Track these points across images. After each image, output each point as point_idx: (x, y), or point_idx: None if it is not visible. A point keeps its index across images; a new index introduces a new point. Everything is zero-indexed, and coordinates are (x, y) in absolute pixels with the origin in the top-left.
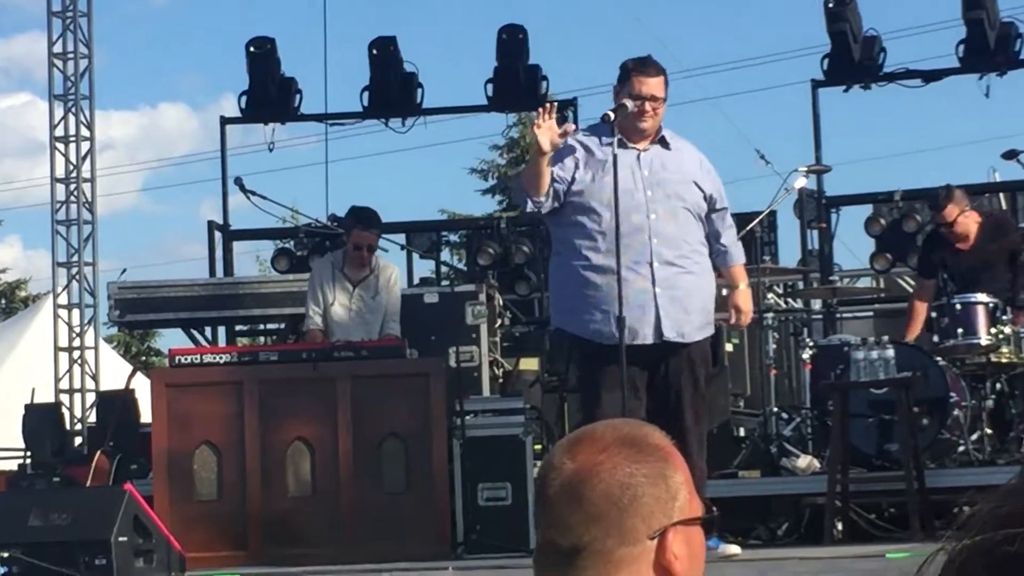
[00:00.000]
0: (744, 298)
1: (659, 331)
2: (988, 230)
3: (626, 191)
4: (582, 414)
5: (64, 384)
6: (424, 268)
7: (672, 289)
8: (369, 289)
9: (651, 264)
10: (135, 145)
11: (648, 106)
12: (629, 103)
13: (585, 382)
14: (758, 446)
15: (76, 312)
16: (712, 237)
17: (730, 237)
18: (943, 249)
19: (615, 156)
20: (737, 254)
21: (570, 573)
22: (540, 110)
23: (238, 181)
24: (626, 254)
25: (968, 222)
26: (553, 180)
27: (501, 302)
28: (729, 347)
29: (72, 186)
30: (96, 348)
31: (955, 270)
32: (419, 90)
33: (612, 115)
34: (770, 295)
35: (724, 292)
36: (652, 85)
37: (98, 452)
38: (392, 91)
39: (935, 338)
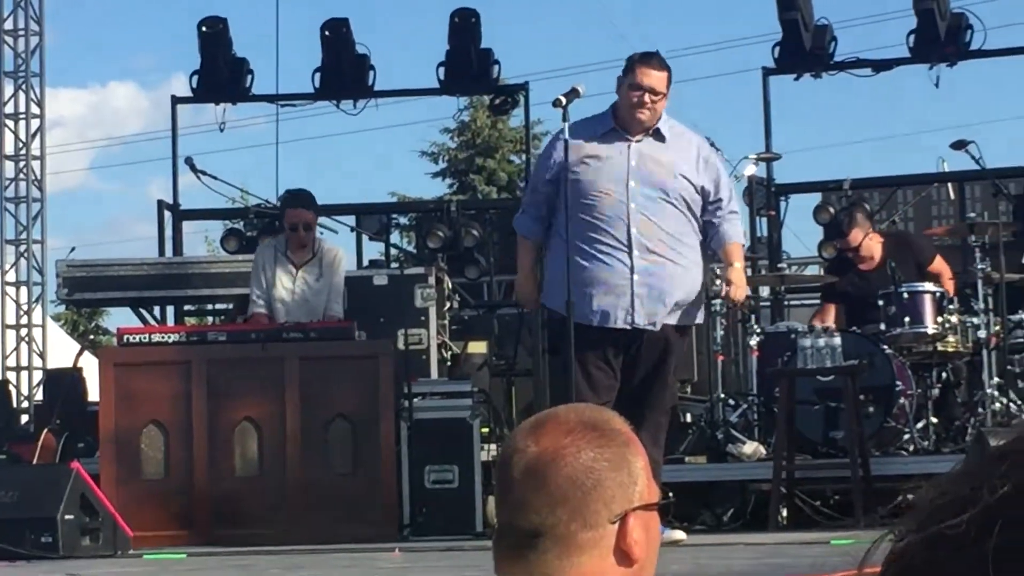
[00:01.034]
0: (736, 273)
1: (631, 317)
2: (891, 248)
3: (610, 180)
4: (550, 387)
5: (11, 362)
6: (373, 250)
7: (649, 278)
8: (312, 272)
9: (630, 252)
10: (85, 123)
11: (647, 98)
12: (581, 88)
13: (559, 357)
14: (704, 432)
15: (24, 290)
16: (707, 225)
17: (726, 220)
18: (848, 273)
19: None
20: (731, 233)
21: (531, 556)
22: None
23: (188, 161)
24: (606, 240)
25: (872, 244)
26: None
27: (450, 285)
28: None
29: (21, 163)
30: (44, 326)
31: (862, 292)
32: (371, 72)
33: (564, 99)
34: (718, 281)
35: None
36: (654, 78)
37: (45, 430)
38: (344, 73)
39: (882, 326)
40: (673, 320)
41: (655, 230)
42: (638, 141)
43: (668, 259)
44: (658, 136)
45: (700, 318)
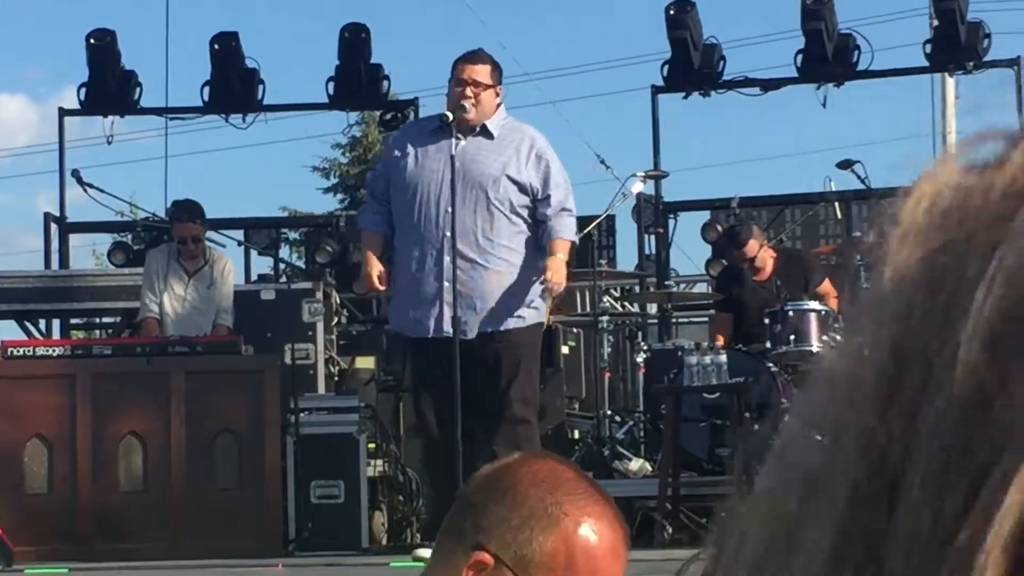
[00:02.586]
0: (554, 264)
1: (439, 325)
2: (782, 264)
3: (430, 182)
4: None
5: None
6: (263, 265)
7: (461, 285)
8: (204, 280)
9: (441, 258)
10: None
11: (469, 91)
12: (467, 104)
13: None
14: (591, 448)
15: None
16: (538, 224)
17: (556, 217)
18: (739, 285)
19: (452, 156)
20: (559, 228)
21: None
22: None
23: (75, 173)
24: (423, 246)
25: (766, 256)
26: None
27: (338, 300)
28: (565, 349)
29: None
30: None
31: (751, 304)
32: (260, 86)
33: (450, 115)
34: (606, 298)
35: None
36: (474, 71)
37: None
38: (233, 87)
39: (768, 344)
40: (494, 326)
41: (472, 235)
42: (465, 140)
43: (485, 264)
44: (486, 134)
45: (533, 318)
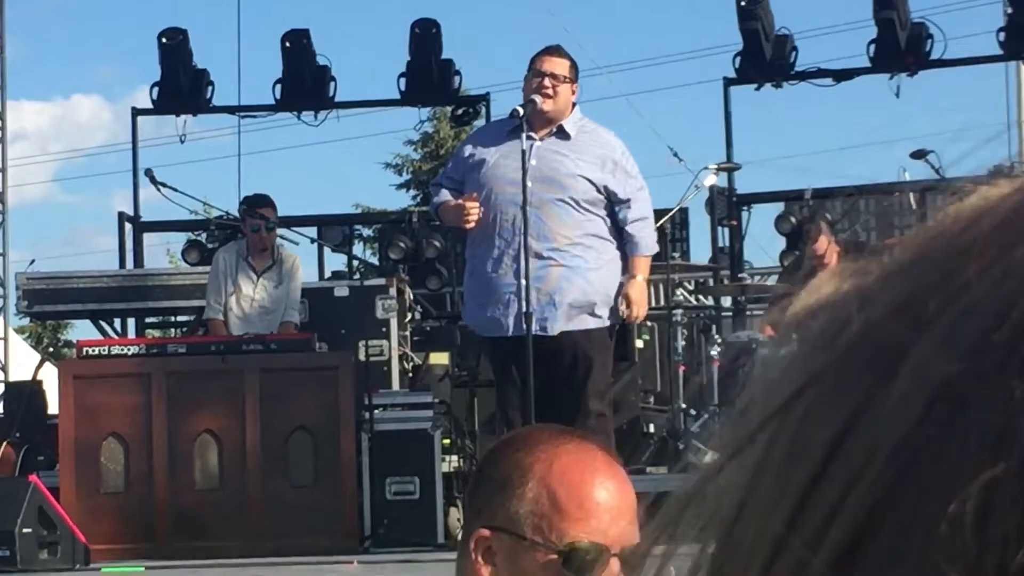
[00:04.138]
0: (634, 289)
1: (519, 324)
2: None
3: (506, 182)
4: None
5: None
6: (336, 262)
7: (538, 282)
8: (272, 278)
9: (518, 256)
10: (47, 136)
11: (547, 82)
12: (538, 99)
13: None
14: (666, 442)
15: None
16: (619, 227)
17: (637, 227)
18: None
19: (524, 151)
20: (642, 245)
21: None
22: (466, 207)
23: (148, 173)
24: (499, 245)
25: (832, 252)
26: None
27: (412, 296)
28: (640, 343)
29: None
30: (6, 339)
31: None
32: (332, 83)
33: (521, 111)
34: (680, 291)
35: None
36: (552, 63)
37: (4, 443)
38: (305, 84)
39: None
40: (575, 325)
41: (550, 233)
42: (541, 140)
43: (559, 262)
44: (562, 134)
45: (612, 317)
